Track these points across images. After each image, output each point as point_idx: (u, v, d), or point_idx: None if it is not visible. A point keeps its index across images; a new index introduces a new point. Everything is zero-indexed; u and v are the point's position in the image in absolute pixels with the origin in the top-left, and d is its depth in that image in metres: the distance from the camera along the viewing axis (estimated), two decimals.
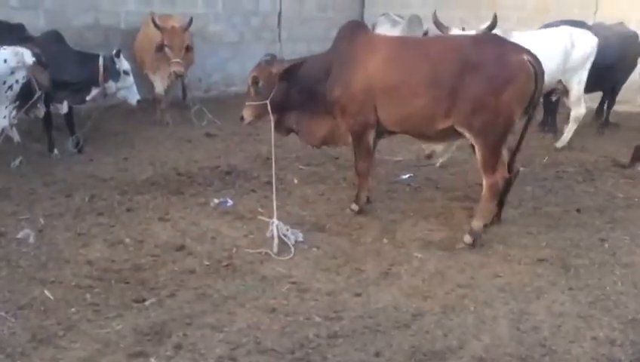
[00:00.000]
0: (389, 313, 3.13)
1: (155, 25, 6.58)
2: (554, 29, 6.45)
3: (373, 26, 8.22)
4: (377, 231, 4.22)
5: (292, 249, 3.85)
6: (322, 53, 4.51)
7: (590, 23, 7.27)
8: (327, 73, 4.23)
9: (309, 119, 4.41)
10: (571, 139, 6.52)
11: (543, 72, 3.85)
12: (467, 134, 3.92)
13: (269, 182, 5.12)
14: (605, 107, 7.55)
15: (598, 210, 4.68)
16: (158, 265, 3.64)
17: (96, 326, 2.95)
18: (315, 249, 3.93)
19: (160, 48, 6.61)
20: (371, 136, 4.28)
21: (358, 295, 3.33)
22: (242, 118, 4.44)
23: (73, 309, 3.09)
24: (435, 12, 5.79)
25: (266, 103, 4.22)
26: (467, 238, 3.99)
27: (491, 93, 3.74)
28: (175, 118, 7.27)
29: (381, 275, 3.57)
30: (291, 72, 4.23)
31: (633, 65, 7.22)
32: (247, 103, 4.39)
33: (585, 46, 6.17)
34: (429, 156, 5.49)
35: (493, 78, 3.74)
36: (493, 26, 5.38)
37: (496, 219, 4.30)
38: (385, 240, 4.07)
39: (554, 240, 4.09)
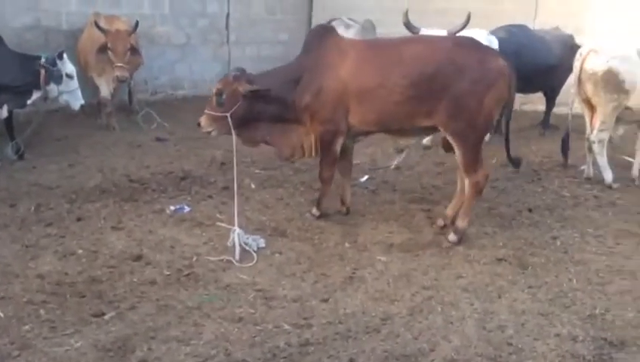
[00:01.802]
0: (358, 318, 3.12)
1: (98, 27, 6.34)
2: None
3: None
4: (339, 235, 4.21)
5: (254, 256, 3.78)
6: (290, 63, 4.45)
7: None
8: (295, 81, 4.14)
9: (280, 131, 4.28)
10: (517, 141, 6.73)
11: (515, 77, 3.99)
12: (448, 136, 3.99)
13: (226, 188, 5.07)
14: (545, 109, 7.87)
15: (548, 209, 4.85)
16: (116, 276, 3.48)
17: (54, 343, 2.79)
18: (277, 255, 3.88)
19: (103, 50, 6.37)
20: (340, 144, 4.23)
21: (326, 301, 3.31)
22: (199, 125, 4.27)
23: (27, 327, 2.91)
24: (406, 12, 5.78)
25: (226, 116, 4.08)
26: (452, 237, 4.08)
27: (474, 97, 3.83)
28: (122, 123, 7.03)
29: (346, 280, 3.56)
30: (257, 94, 4.10)
31: (570, 67, 7.56)
32: (206, 111, 4.22)
33: None
34: (402, 150, 5.57)
35: (476, 82, 3.83)
36: (464, 25, 5.52)
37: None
38: (347, 244, 4.06)
39: (510, 239, 4.20)
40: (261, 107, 4.17)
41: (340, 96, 4.05)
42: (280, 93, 4.16)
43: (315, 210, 4.47)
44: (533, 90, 7.35)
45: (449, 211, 4.40)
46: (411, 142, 4.38)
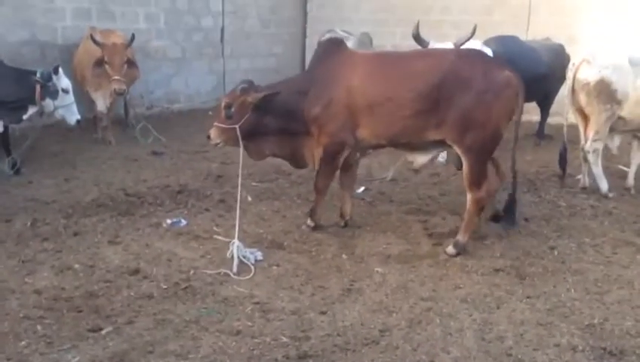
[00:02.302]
0: (356, 330, 3.11)
1: (95, 41, 6.35)
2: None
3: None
4: (336, 246, 4.21)
5: (252, 268, 3.77)
6: (300, 75, 4.47)
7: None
8: (304, 93, 4.13)
9: (289, 144, 4.28)
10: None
11: (523, 88, 3.99)
12: (457, 149, 3.99)
13: (222, 200, 5.07)
14: (540, 119, 7.92)
15: (544, 219, 4.86)
16: (113, 291, 3.46)
17: (51, 359, 2.77)
18: (275, 267, 3.86)
19: (99, 63, 6.38)
20: (343, 157, 4.22)
21: (324, 313, 3.29)
22: (209, 138, 4.28)
23: (23, 342, 2.88)
24: (417, 24, 5.76)
25: (235, 128, 4.09)
26: (450, 250, 4.09)
27: (481, 108, 3.84)
28: (118, 137, 7.03)
29: (344, 292, 3.55)
30: (267, 101, 4.10)
31: (562, 76, 7.63)
32: (215, 124, 4.22)
33: None
34: (418, 170, 5.53)
35: (483, 94, 3.83)
36: (470, 37, 5.58)
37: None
38: (344, 256, 4.06)
39: (507, 249, 4.21)
40: (270, 119, 4.17)
41: (349, 108, 4.04)
42: (289, 105, 4.15)
43: (309, 221, 4.46)
44: (526, 100, 7.36)
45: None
46: (424, 159, 4.34)
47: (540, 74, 6.89)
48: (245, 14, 10.04)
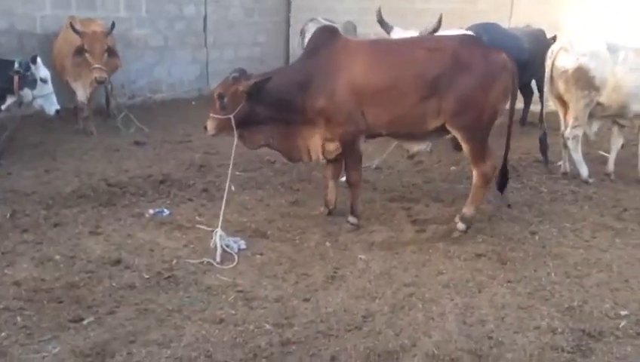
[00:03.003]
0: (339, 316, 3.12)
1: (74, 29, 6.25)
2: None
3: (303, 32, 8.24)
4: (320, 234, 4.21)
5: (236, 257, 3.76)
6: (294, 64, 4.43)
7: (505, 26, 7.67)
8: (304, 84, 4.09)
9: (284, 134, 4.25)
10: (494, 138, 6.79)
11: (517, 70, 4.10)
12: (453, 130, 4.05)
13: (205, 190, 5.05)
14: (523, 106, 7.96)
15: (526, 205, 4.90)
16: (94, 281, 3.44)
17: (31, 350, 2.74)
18: (258, 256, 3.86)
19: (79, 52, 6.28)
20: (361, 142, 4.22)
21: (307, 300, 3.30)
22: (205, 129, 4.24)
23: (3, 334, 2.85)
24: (379, 10, 5.80)
25: (230, 118, 4.05)
26: (460, 226, 4.19)
27: (481, 91, 3.94)
28: (99, 127, 6.94)
29: (328, 279, 3.56)
30: (259, 89, 4.05)
31: (544, 62, 7.67)
32: (211, 115, 4.18)
33: None
34: (413, 156, 5.56)
35: (482, 77, 3.94)
36: (438, 26, 5.57)
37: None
38: (328, 244, 4.06)
39: (489, 235, 4.24)
40: (265, 108, 4.13)
41: (354, 97, 4.03)
42: (284, 95, 4.12)
43: (352, 218, 4.34)
44: None
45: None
46: (421, 146, 4.41)
47: (521, 60, 6.91)
48: (228, 3, 9.95)
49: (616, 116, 5.54)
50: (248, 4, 10.32)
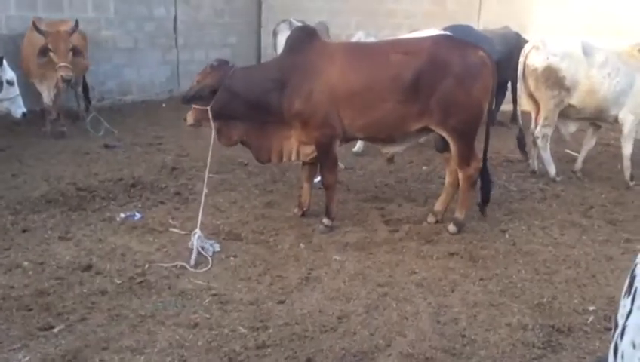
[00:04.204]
0: (314, 318, 3.13)
1: (37, 29, 6.13)
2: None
3: (275, 33, 8.23)
4: (294, 236, 4.21)
5: (210, 260, 3.74)
6: (272, 62, 4.40)
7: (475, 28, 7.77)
8: (279, 83, 4.07)
9: (259, 133, 4.22)
10: None
11: (495, 67, 4.13)
12: (443, 133, 4.07)
13: (178, 193, 5.00)
14: (493, 106, 8.07)
15: (496, 203, 4.98)
16: (64, 288, 3.37)
17: (0, 359, 2.67)
18: (232, 258, 3.84)
19: (43, 53, 6.15)
20: (337, 146, 4.22)
21: (282, 302, 3.30)
22: (185, 120, 4.23)
23: None
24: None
25: (207, 109, 4.03)
26: (452, 228, 4.26)
27: (463, 91, 3.94)
28: (68, 130, 6.80)
29: (302, 280, 3.56)
30: (233, 79, 4.04)
31: (516, 64, 7.80)
32: (192, 106, 4.16)
33: None
34: (391, 159, 5.51)
35: (462, 76, 3.93)
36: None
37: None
38: (302, 245, 4.07)
39: (461, 234, 4.30)
40: (241, 102, 4.09)
41: (330, 100, 4.01)
42: (261, 91, 4.08)
43: (326, 220, 4.32)
44: None
45: (438, 206, 4.51)
46: (399, 148, 4.41)
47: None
48: (198, 4, 9.86)
49: (596, 120, 5.56)
50: (219, 5, 10.25)
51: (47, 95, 6.56)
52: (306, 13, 9.80)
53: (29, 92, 6.31)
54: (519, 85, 5.63)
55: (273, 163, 4.48)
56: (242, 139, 4.30)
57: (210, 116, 4.05)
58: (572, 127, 5.68)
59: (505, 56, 7.29)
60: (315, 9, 10.19)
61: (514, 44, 7.49)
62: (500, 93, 7.92)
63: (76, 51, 6.37)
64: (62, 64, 6.12)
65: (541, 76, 5.35)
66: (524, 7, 9.34)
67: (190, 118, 4.20)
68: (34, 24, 6.18)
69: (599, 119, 5.54)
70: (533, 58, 5.43)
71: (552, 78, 5.31)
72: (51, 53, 6.14)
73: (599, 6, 8.73)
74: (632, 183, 5.45)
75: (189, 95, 4.15)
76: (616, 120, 5.41)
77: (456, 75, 3.95)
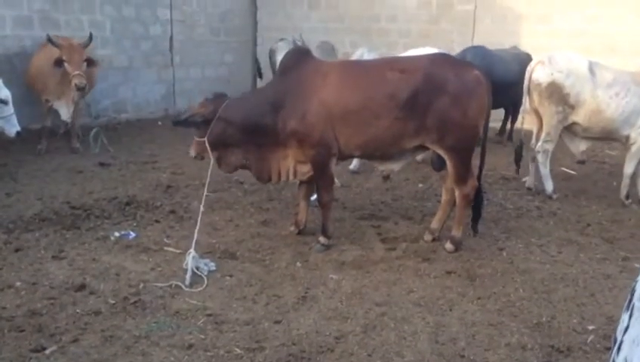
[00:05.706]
0: (311, 338, 3.09)
1: (52, 42, 6.21)
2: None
3: (273, 51, 8.26)
4: (290, 255, 4.18)
5: (205, 279, 3.70)
6: (266, 86, 4.45)
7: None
8: (275, 106, 4.09)
9: (257, 155, 4.24)
10: None
11: (491, 86, 4.14)
12: (439, 151, 4.08)
13: (173, 211, 4.97)
14: (509, 123, 8.13)
15: (493, 221, 4.97)
16: (57, 308, 3.32)
17: None
18: (228, 277, 3.80)
19: (58, 63, 6.20)
20: (334, 164, 4.22)
21: (278, 322, 3.26)
22: (189, 153, 4.37)
23: None
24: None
25: (204, 140, 4.11)
26: (449, 246, 4.24)
27: (458, 109, 3.95)
28: (62, 148, 6.80)
29: (299, 300, 3.52)
30: (227, 110, 4.10)
31: None
32: (194, 138, 4.27)
33: None
34: (387, 177, 5.50)
35: (458, 95, 3.95)
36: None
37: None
38: (298, 264, 4.03)
39: (458, 252, 4.27)
40: (237, 130, 4.14)
41: (325, 119, 4.02)
42: (258, 117, 4.11)
43: (322, 239, 4.29)
44: (495, 107, 7.51)
45: (435, 224, 4.49)
46: (397, 166, 4.40)
47: (506, 84, 6.97)
48: (194, 23, 9.92)
49: (608, 139, 5.54)
50: (214, 24, 10.32)
51: (65, 111, 6.64)
52: (301, 32, 9.87)
53: (26, 110, 6.29)
54: (524, 100, 5.65)
55: (273, 182, 4.47)
56: (242, 163, 4.33)
57: (207, 147, 4.10)
58: (582, 145, 5.64)
59: (521, 76, 7.32)
60: (310, 28, 10.27)
61: (526, 64, 7.54)
62: (516, 111, 7.96)
63: (90, 61, 6.42)
64: (76, 72, 6.17)
65: (545, 91, 5.38)
66: (517, 26, 9.43)
67: (192, 150, 4.31)
68: (48, 36, 6.27)
69: (613, 139, 5.52)
70: (538, 73, 5.46)
71: (556, 94, 5.32)
72: (66, 64, 6.19)
73: (593, 25, 8.82)
74: (627, 202, 5.45)
75: (180, 119, 4.29)
76: (627, 139, 5.35)
77: (451, 94, 3.96)
